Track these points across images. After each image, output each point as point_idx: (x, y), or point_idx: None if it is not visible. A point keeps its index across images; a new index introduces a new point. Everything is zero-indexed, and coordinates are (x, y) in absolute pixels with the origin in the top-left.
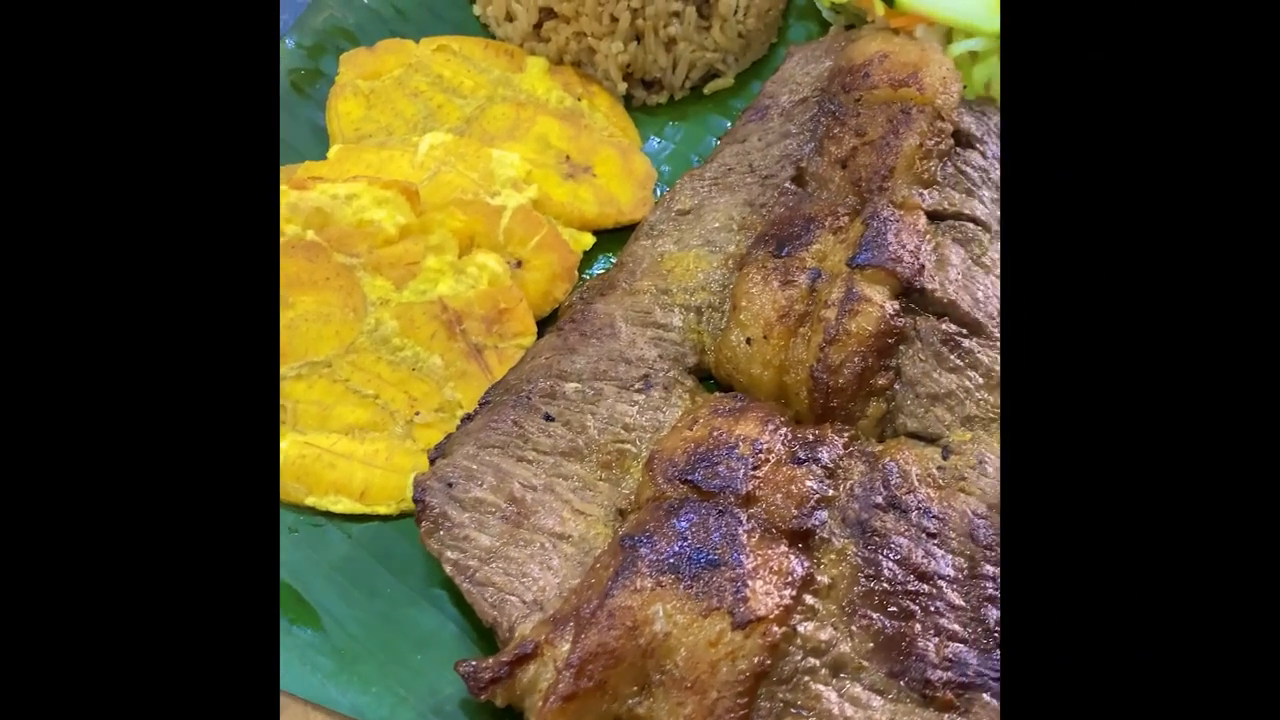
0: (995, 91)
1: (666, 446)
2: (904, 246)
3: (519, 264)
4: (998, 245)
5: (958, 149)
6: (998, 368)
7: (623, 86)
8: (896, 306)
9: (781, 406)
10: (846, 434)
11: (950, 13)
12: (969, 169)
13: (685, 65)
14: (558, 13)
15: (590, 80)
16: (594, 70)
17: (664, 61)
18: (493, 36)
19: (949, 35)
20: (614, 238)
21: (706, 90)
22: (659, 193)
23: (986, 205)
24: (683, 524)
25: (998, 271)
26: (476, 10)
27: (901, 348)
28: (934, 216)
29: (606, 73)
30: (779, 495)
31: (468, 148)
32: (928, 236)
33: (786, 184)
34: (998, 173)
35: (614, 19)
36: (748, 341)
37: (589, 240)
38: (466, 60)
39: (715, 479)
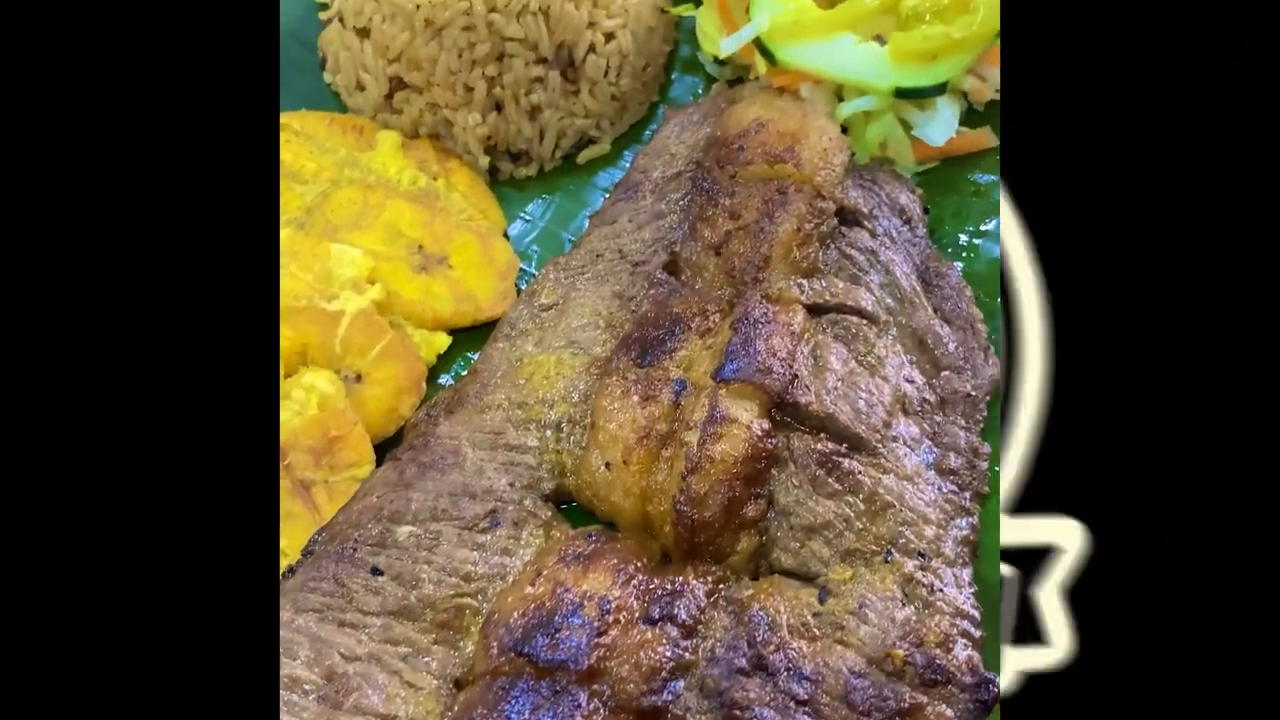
0: (893, 150)
1: (504, 607)
2: (774, 354)
3: (359, 378)
4: (886, 339)
5: (842, 229)
6: (880, 489)
7: (485, 160)
8: (766, 425)
9: (643, 542)
10: (713, 576)
11: (837, 70)
12: (855, 252)
13: (554, 134)
14: (408, 83)
15: (449, 155)
16: (453, 143)
17: (529, 132)
18: (344, 107)
19: (839, 91)
20: (473, 335)
21: (580, 159)
22: (526, 282)
23: (874, 292)
24: (512, 710)
25: (885, 371)
26: (327, 78)
27: (774, 471)
28: (814, 310)
29: (466, 146)
30: (627, 666)
31: (303, 244)
32: (805, 336)
33: (658, 273)
34: (888, 253)
35: (469, 89)
36: (607, 466)
37: (444, 342)
38: (309, 140)
39: (554, 650)
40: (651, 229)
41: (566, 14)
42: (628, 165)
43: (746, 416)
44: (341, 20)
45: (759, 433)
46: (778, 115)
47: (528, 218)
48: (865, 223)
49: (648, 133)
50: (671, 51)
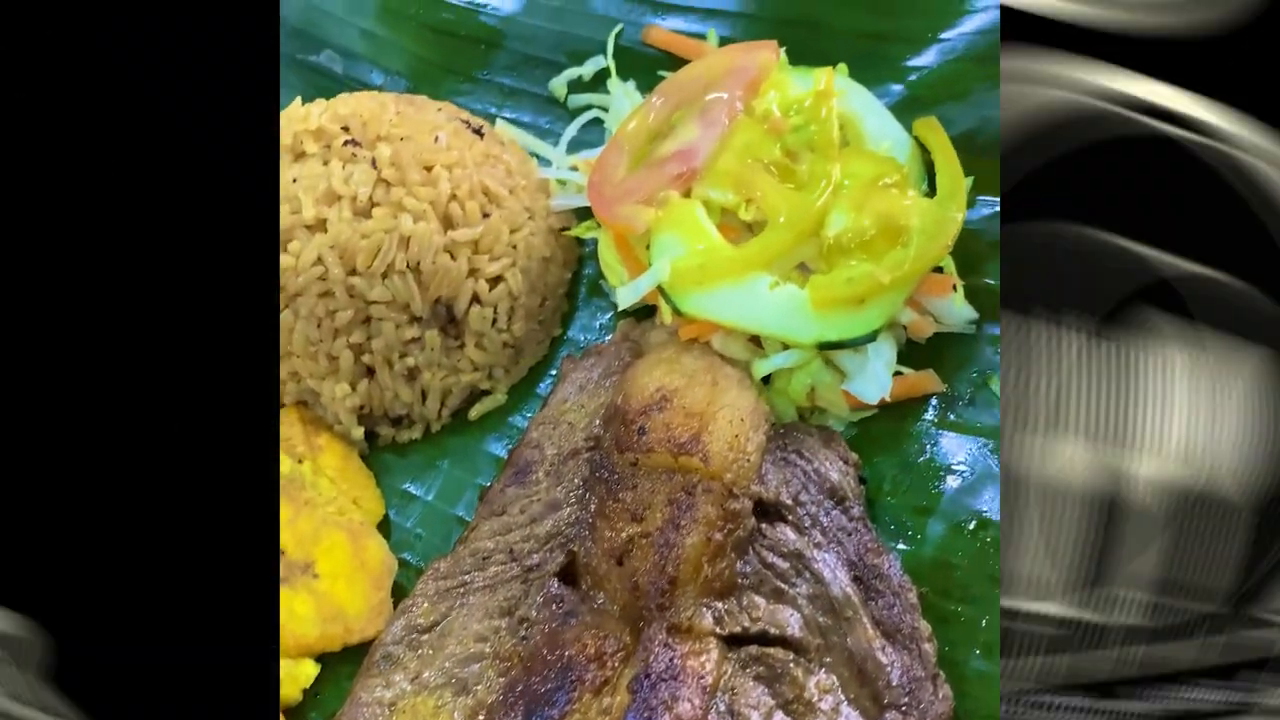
0: (823, 400)
1: None
2: None
3: None
4: (817, 673)
5: (763, 526)
6: None
7: (359, 432)
8: None
9: None
10: None
11: (751, 322)
12: (777, 559)
13: (438, 394)
14: None
15: (318, 427)
16: (323, 411)
17: (408, 395)
18: None
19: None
20: (345, 658)
21: (472, 415)
22: (408, 578)
23: (802, 609)
24: None
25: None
26: None
27: None
28: (733, 641)
29: (337, 417)
30: None
31: None
32: (720, 684)
33: (553, 584)
34: (818, 553)
35: (333, 358)
36: None
37: (309, 674)
38: None
39: None
40: (547, 523)
41: (441, 267)
42: (525, 420)
43: None
44: None
45: None
46: (683, 384)
47: (411, 495)
48: (789, 515)
49: (549, 377)
50: (575, 274)
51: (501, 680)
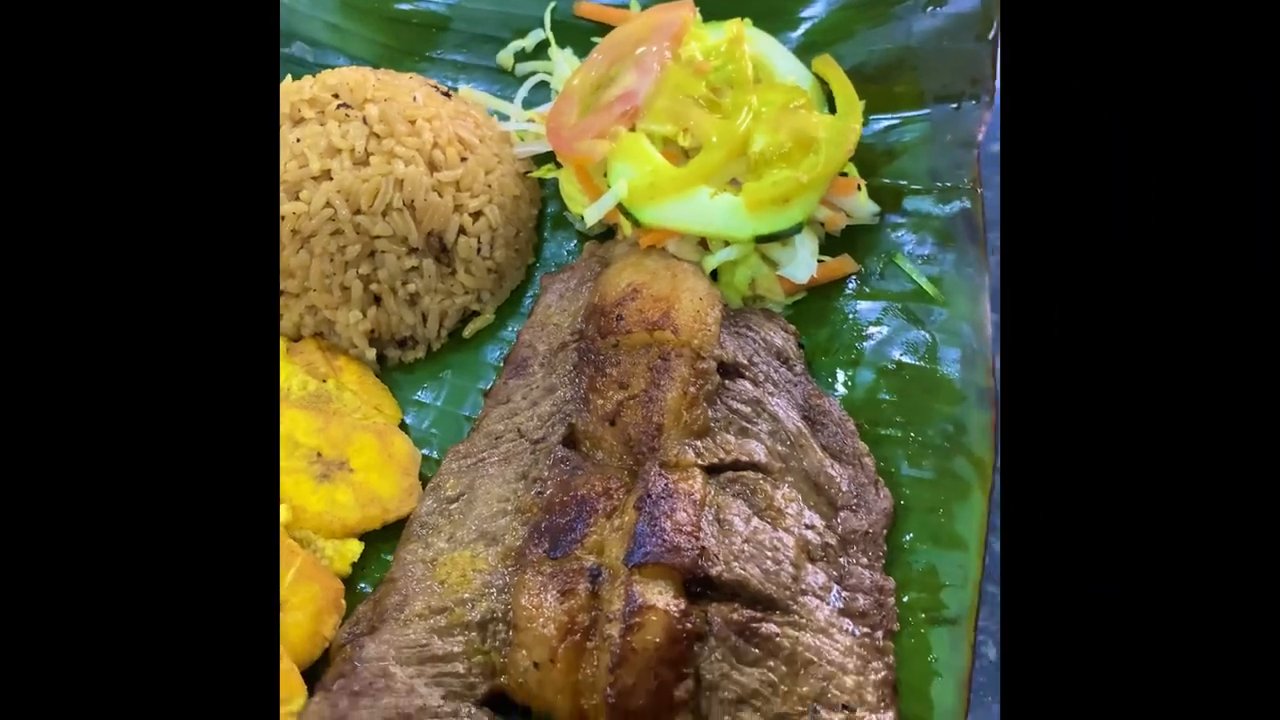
0: (762, 288)
1: None
2: (680, 529)
3: None
4: (782, 488)
5: (725, 382)
6: (799, 648)
7: (371, 353)
8: (683, 605)
9: None
10: None
11: (698, 225)
12: (740, 404)
13: (436, 316)
14: (284, 290)
15: (335, 352)
16: (337, 339)
17: (411, 318)
18: None
19: (704, 239)
20: (386, 534)
21: (466, 334)
22: (430, 471)
23: (764, 442)
24: None
25: (786, 522)
26: None
27: (697, 647)
28: (712, 470)
29: (351, 341)
30: None
31: None
32: (706, 501)
33: (559, 448)
34: (772, 399)
35: (345, 288)
36: (535, 665)
37: (356, 550)
38: None
39: None
40: (547, 404)
41: (432, 204)
42: (513, 334)
43: (662, 600)
44: None
45: (676, 614)
46: (649, 279)
47: (422, 403)
48: (746, 373)
49: (528, 298)
50: (540, 211)
51: (525, 528)
